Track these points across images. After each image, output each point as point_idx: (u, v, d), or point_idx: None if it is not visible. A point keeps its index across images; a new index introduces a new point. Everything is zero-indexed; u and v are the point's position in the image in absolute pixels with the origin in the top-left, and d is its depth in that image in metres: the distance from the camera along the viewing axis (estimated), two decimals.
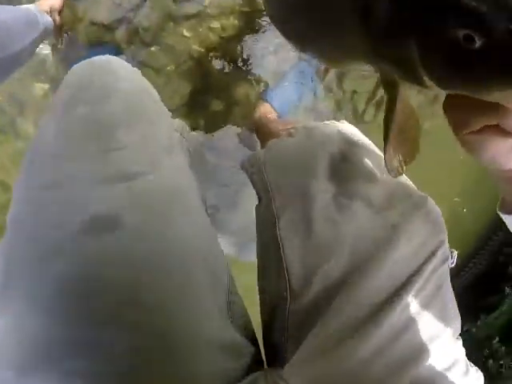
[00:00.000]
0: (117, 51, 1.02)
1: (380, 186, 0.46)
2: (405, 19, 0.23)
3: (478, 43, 0.19)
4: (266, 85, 1.11)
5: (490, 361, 1.22)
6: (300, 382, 0.39)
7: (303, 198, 0.47)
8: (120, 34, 1.03)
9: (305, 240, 0.44)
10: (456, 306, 0.44)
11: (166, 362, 0.36)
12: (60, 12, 0.97)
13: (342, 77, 1.22)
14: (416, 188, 0.49)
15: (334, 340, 0.39)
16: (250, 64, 1.09)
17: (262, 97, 1.08)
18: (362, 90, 1.24)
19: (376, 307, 0.39)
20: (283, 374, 0.40)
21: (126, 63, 0.53)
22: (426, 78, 0.24)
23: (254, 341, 0.45)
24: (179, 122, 0.74)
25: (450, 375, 0.40)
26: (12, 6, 0.82)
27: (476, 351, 1.23)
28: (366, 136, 0.57)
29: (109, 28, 1.03)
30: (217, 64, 1.07)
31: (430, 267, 0.41)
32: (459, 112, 0.27)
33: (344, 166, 0.48)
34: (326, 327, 0.40)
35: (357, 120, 1.28)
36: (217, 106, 1.10)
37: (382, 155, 0.48)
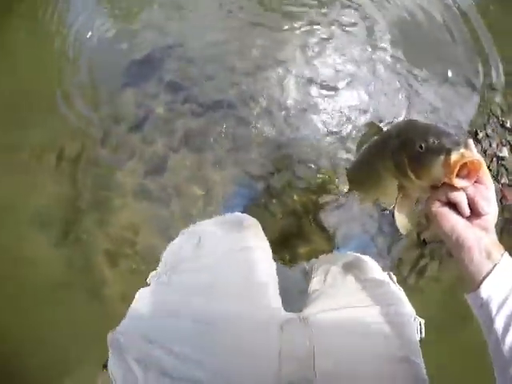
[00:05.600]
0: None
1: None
2: (404, 160, 0.56)
3: (422, 150, 0.52)
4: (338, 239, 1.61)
5: None
6: None
7: None
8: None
9: None
10: None
11: None
12: None
13: (391, 245, 1.62)
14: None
15: None
16: (332, 225, 1.61)
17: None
18: (407, 258, 1.60)
19: None
20: None
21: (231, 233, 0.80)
22: (411, 175, 0.55)
23: None
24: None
25: None
26: None
27: None
28: (409, 298, 0.77)
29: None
30: (310, 221, 1.59)
31: None
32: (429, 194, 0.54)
33: None
34: None
35: (400, 283, 1.52)
36: (301, 248, 1.56)
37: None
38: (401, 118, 1.75)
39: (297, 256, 1.57)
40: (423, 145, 0.51)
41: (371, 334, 0.60)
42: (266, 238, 0.88)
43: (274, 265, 0.83)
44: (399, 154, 0.56)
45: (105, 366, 0.55)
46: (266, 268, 0.75)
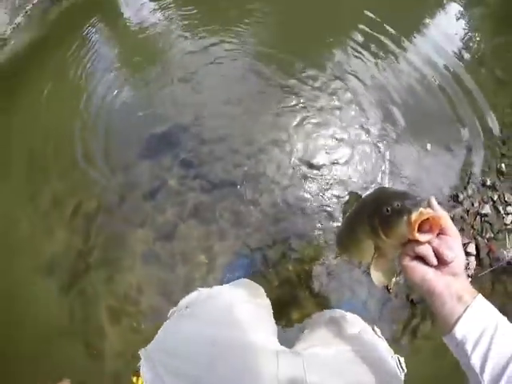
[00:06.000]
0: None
1: None
2: (376, 222, 0.62)
3: (388, 212, 0.59)
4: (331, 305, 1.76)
5: None
6: None
7: None
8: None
9: None
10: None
11: None
12: None
13: (382, 308, 1.71)
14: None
15: None
16: (324, 292, 1.77)
17: None
18: (398, 319, 1.68)
19: None
20: None
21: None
22: (382, 236, 0.62)
23: None
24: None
25: None
26: None
27: None
28: (401, 355, 0.80)
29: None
30: (303, 288, 1.79)
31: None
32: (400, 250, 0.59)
33: None
34: None
35: (394, 342, 1.59)
36: (295, 314, 1.71)
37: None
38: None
39: (291, 321, 1.69)
40: (389, 208, 0.59)
41: (349, 364, 0.71)
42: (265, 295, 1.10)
43: (272, 321, 0.99)
44: (372, 218, 0.64)
45: (134, 374, 0.72)
46: (263, 313, 0.95)
